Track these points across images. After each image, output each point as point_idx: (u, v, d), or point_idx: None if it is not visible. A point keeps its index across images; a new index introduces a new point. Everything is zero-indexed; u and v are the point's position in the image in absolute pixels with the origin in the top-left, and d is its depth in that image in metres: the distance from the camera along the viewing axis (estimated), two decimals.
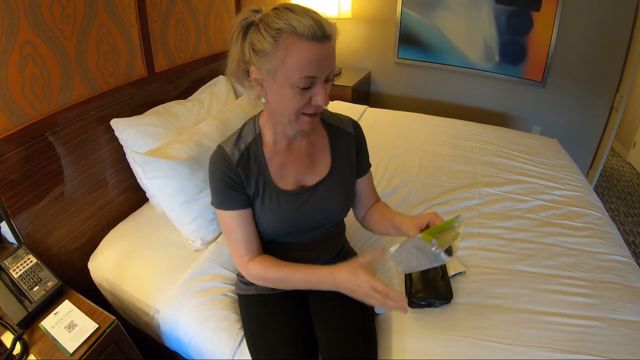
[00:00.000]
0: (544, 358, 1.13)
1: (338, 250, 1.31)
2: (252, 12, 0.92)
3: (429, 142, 2.43)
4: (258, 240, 1.11)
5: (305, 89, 0.90)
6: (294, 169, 1.11)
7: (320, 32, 0.84)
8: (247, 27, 0.92)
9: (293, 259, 1.11)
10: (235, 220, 1.06)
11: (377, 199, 1.30)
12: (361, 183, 1.24)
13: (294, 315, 1.16)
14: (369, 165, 1.26)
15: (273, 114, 1.03)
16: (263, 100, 1.00)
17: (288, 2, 0.93)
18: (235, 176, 1.04)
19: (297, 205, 1.10)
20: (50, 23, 1.30)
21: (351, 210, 1.29)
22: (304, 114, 0.95)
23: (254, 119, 1.12)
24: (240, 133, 1.10)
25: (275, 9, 0.89)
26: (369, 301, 0.93)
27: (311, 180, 1.13)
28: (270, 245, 1.16)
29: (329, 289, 1.00)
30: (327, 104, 0.93)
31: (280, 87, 0.91)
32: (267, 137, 1.09)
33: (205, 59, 2.15)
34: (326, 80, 0.92)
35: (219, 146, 1.08)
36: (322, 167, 1.14)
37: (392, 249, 0.97)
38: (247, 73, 0.97)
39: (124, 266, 1.46)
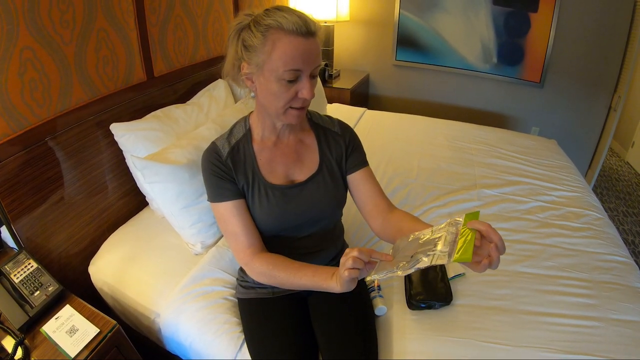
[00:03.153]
0: (544, 359, 1.13)
1: (336, 253, 1.31)
2: (246, 16, 0.98)
3: (427, 144, 2.44)
4: (258, 234, 1.11)
5: (291, 82, 0.94)
6: (282, 163, 1.14)
7: (305, 28, 0.90)
8: (242, 30, 0.98)
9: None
10: (230, 212, 1.08)
11: (391, 206, 1.16)
12: (358, 182, 1.18)
13: (294, 318, 1.17)
14: (364, 162, 1.20)
15: (262, 108, 1.08)
16: (252, 94, 1.06)
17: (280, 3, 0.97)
18: (225, 167, 1.09)
19: (286, 200, 1.12)
20: (50, 28, 1.30)
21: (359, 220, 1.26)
22: (291, 107, 0.99)
23: (245, 117, 1.18)
24: (231, 130, 1.16)
25: (266, 10, 0.96)
26: (351, 272, 0.82)
27: (300, 176, 1.15)
28: (267, 247, 1.17)
29: (332, 286, 0.92)
30: (312, 97, 0.97)
31: (267, 80, 0.96)
32: (257, 133, 1.14)
33: (204, 62, 2.15)
34: (312, 76, 0.97)
35: (212, 142, 1.14)
36: (310, 164, 1.17)
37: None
38: (240, 70, 1.02)
39: (124, 270, 1.46)
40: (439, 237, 0.79)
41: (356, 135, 1.25)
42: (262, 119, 1.11)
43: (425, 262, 0.74)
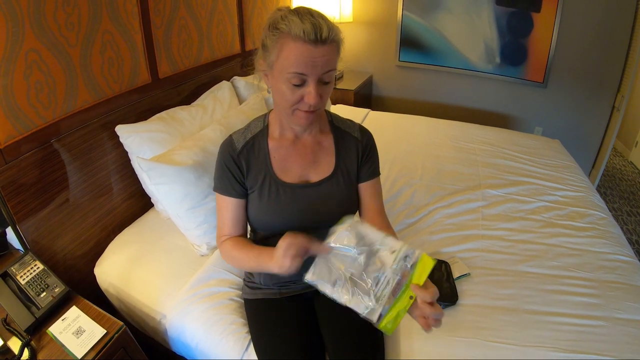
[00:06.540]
0: (549, 358, 1.13)
1: None
2: (277, 11, 0.97)
3: (431, 144, 2.44)
4: (243, 229, 1.17)
5: (298, 86, 0.94)
6: (297, 163, 1.14)
7: (314, 35, 0.89)
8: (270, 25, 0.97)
9: None
10: (227, 207, 1.14)
11: (387, 226, 1.20)
12: (364, 194, 1.20)
13: (300, 319, 1.16)
14: (375, 173, 1.21)
15: (276, 106, 1.08)
16: (269, 92, 1.07)
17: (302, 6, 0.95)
18: (237, 164, 1.10)
19: (296, 199, 1.12)
20: (55, 30, 1.31)
21: None
22: (299, 109, 0.99)
23: (266, 114, 1.18)
24: (249, 125, 1.17)
25: (290, 11, 0.94)
26: (289, 258, 0.87)
27: (315, 177, 1.15)
28: (270, 244, 1.17)
29: (271, 267, 0.94)
30: (316, 103, 0.95)
31: (276, 80, 0.97)
32: (274, 130, 1.14)
33: (208, 64, 2.16)
34: (323, 82, 0.96)
35: (229, 135, 1.16)
36: (326, 167, 1.16)
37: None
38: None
39: (130, 272, 1.46)
40: (386, 273, 0.83)
41: (374, 143, 1.23)
42: (280, 117, 1.11)
43: (359, 306, 0.82)
